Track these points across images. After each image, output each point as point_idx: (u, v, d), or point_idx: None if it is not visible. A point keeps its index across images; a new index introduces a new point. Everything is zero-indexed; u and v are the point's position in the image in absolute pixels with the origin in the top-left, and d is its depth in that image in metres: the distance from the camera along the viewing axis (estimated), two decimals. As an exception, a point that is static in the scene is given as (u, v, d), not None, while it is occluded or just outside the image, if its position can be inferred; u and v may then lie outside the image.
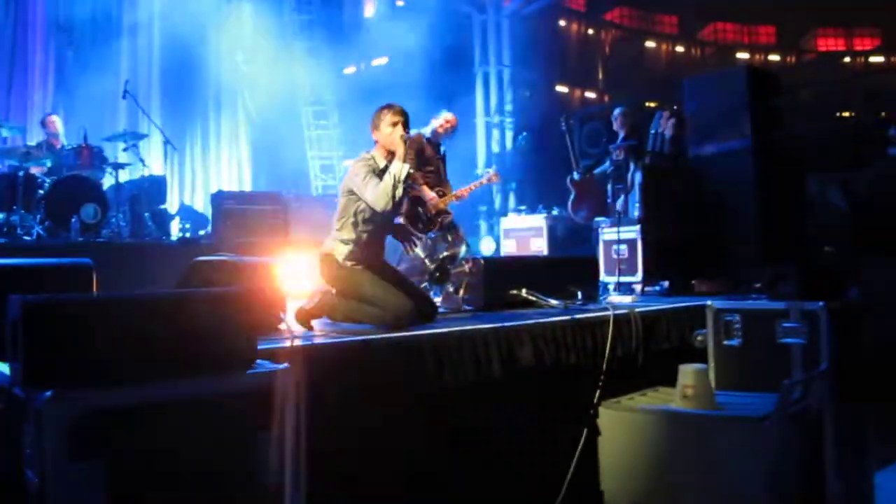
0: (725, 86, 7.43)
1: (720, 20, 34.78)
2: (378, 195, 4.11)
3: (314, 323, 4.23)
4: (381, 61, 15.68)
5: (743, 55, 33.45)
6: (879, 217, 8.23)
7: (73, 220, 7.14)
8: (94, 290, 2.82)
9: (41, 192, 7.52)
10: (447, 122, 6.59)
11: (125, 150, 8.86)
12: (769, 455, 3.57)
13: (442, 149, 6.66)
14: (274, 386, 2.28)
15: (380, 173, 4.22)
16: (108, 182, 8.57)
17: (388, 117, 4.27)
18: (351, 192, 4.29)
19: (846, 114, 14.22)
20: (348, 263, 4.24)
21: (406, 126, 4.30)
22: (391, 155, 4.24)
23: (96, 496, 1.93)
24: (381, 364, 3.36)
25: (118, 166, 8.58)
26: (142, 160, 8.84)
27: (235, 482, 2.19)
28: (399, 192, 4.14)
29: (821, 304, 4.22)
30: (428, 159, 6.47)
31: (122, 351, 2.04)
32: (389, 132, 4.26)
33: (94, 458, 1.93)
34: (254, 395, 2.25)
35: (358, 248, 4.26)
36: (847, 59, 29.84)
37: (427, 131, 6.58)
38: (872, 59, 29.13)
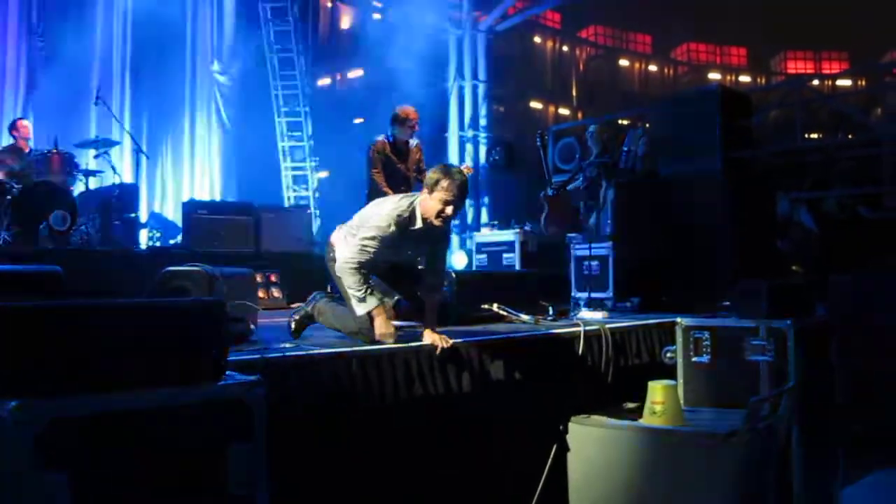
0: (697, 105, 7.54)
1: (693, 40, 35.25)
2: (343, 270, 3.82)
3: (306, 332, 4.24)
4: (356, 73, 15.69)
5: (715, 75, 33.88)
6: (846, 236, 8.36)
7: (42, 226, 7.04)
8: (63, 297, 2.78)
9: (9, 197, 7.42)
10: (406, 115, 6.62)
11: (96, 157, 8.77)
12: (737, 471, 3.60)
13: (413, 142, 6.71)
14: (243, 397, 2.26)
15: (393, 236, 3.86)
16: (78, 189, 8.47)
17: (440, 193, 3.76)
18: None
19: (814, 135, 14.44)
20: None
21: (459, 208, 3.88)
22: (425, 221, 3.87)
23: (62, 508, 1.90)
24: (351, 376, 3.34)
25: (89, 173, 8.50)
26: (113, 167, 8.76)
27: (204, 494, 2.17)
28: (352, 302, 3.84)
29: (788, 322, 4.27)
30: (391, 160, 6.57)
31: (89, 360, 2.02)
32: (437, 210, 3.79)
33: (60, 468, 1.90)
34: (223, 406, 2.23)
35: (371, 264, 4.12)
36: (816, 82, 30.37)
37: (389, 134, 6.64)
38: (840, 82, 29.67)
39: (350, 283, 3.81)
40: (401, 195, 4.15)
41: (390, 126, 6.62)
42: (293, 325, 4.28)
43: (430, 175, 3.85)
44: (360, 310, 3.80)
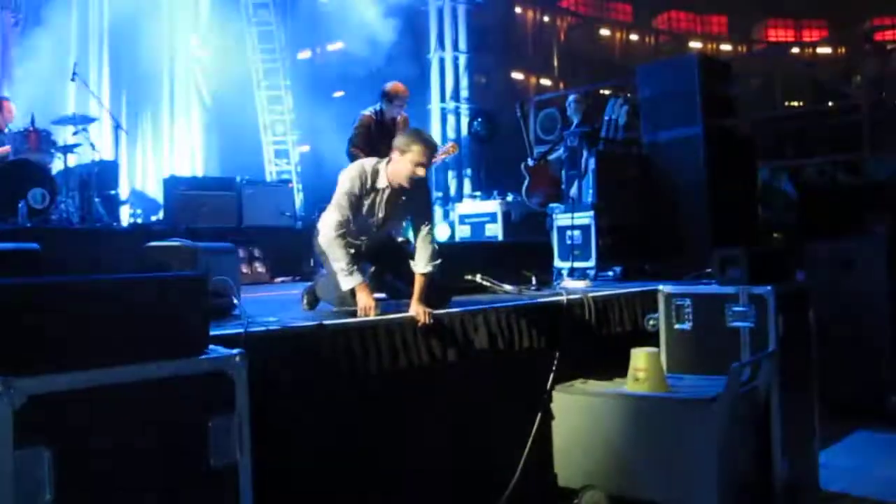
0: (678, 73, 7.53)
1: (673, 9, 35.14)
2: (325, 239, 3.89)
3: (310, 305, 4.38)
4: (336, 46, 15.55)
5: (696, 44, 33.84)
6: (826, 203, 8.43)
7: (21, 204, 6.96)
8: (41, 275, 2.77)
9: (-15, 177, 7.32)
10: (396, 92, 6.48)
11: (75, 133, 8.64)
12: (719, 435, 3.65)
13: (399, 117, 6.54)
14: (225, 371, 2.27)
15: (361, 193, 3.96)
16: (57, 166, 8.37)
17: (412, 155, 3.85)
18: None
19: (795, 103, 14.48)
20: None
21: (425, 167, 3.92)
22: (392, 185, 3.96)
23: (43, 484, 1.90)
24: (334, 349, 3.35)
25: (67, 150, 8.39)
26: (92, 144, 8.64)
27: (186, 467, 2.18)
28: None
29: (768, 288, 4.31)
30: (377, 137, 6.40)
31: (69, 336, 2.01)
32: (409, 172, 3.88)
33: (40, 444, 1.90)
34: (205, 379, 2.24)
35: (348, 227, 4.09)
36: (796, 50, 30.41)
37: (375, 110, 6.49)
38: (820, 50, 29.70)
39: (336, 255, 3.87)
40: (365, 158, 4.20)
41: (380, 101, 6.47)
42: (305, 298, 4.42)
43: (402, 138, 3.95)
44: (346, 284, 3.86)
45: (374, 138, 6.35)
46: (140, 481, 2.08)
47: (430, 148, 3.92)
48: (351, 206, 3.94)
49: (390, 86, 6.46)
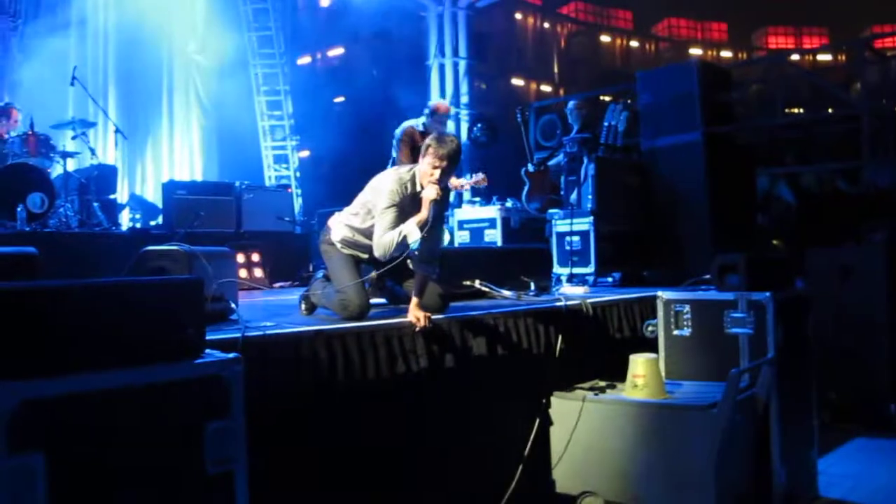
0: (677, 80, 7.54)
1: (674, 16, 35.27)
2: (380, 243, 3.89)
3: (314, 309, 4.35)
4: (336, 52, 15.56)
5: (696, 51, 33.97)
6: (826, 210, 8.42)
7: (19, 209, 6.95)
8: (39, 279, 2.75)
9: (-16, 181, 7.30)
10: (437, 109, 6.70)
11: (74, 138, 8.64)
12: (718, 442, 3.64)
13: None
14: (222, 375, 2.26)
15: (405, 203, 3.96)
16: (56, 170, 8.36)
17: (430, 158, 3.90)
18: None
19: (794, 110, 14.48)
20: (338, 244, 4.20)
21: (449, 173, 3.96)
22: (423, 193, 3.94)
23: (37, 490, 1.88)
24: (333, 354, 3.34)
25: (66, 155, 8.39)
26: (91, 149, 8.65)
27: (181, 472, 2.16)
28: (399, 252, 3.92)
29: (767, 294, 4.30)
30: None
31: (65, 340, 2.00)
32: (427, 174, 3.91)
33: (34, 450, 1.88)
34: (201, 384, 2.23)
35: (361, 237, 4.15)
36: (796, 57, 30.50)
37: (419, 123, 6.70)
38: (820, 57, 29.77)
39: (395, 237, 3.86)
40: (398, 166, 4.21)
41: (425, 116, 6.67)
42: (303, 304, 4.42)
43: (425, 142, 3.99)
44: (414, 235, 3.85)
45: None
46: (136, 487, 2.07)
47: (444, 145, 3.90)
48: (397, 220, 3.92)
49: (434, 103, 6.69)
